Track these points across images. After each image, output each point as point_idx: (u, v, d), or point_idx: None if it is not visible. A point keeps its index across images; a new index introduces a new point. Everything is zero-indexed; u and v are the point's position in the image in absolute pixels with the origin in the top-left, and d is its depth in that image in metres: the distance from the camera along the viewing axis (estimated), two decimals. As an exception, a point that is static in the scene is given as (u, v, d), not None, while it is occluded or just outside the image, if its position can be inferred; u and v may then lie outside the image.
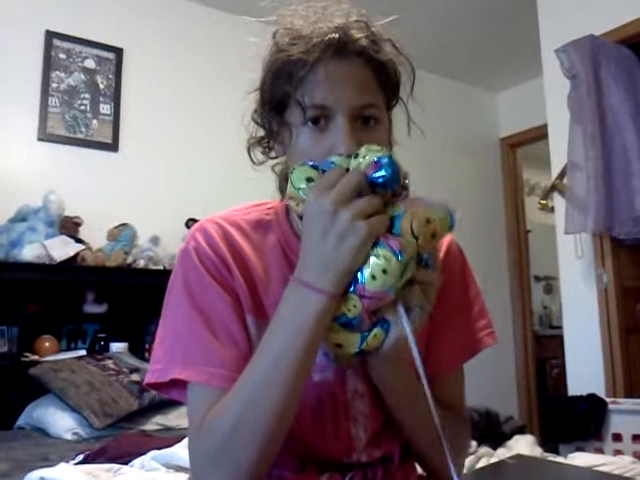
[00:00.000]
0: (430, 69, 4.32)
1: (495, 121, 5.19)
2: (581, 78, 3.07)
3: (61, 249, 2.82)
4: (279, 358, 0.72)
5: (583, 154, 3.04)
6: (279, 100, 0.83)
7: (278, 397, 0.72)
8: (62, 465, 1.67)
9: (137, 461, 1.75)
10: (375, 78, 0.82)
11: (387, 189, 0.71)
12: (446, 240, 0.96)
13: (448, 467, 0.70)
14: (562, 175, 3.43)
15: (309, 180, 0.74)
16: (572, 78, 3.13)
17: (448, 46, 4.17)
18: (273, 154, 0.91)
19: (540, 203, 5.82)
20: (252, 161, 0.92)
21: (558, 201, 3.52)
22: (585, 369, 3.28)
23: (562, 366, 3.77)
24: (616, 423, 2.78)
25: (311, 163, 0.75)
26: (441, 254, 0.93)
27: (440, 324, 0.91)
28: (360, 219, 0.68)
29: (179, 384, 0.80)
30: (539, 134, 4.26)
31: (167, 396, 0.84)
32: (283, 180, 0.93)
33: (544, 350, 5.23)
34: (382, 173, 0.70)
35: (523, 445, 2.07)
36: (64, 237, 2.89)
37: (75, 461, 1.78)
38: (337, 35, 0.80)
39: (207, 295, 0.80)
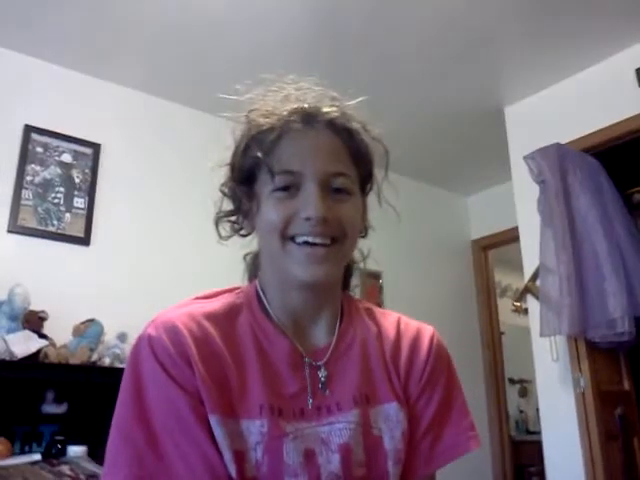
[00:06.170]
0: (401, 172, 4.43)
1: (466, 223, 5.27)
2: (549, 183, 3.17)
3: (23, 344, 2.70)
4: None
5: (554, 257, 3.08)
6: (249, 169, 0.83)
7: None
8: None
9: None
10: (347, 150, 0.83)
11: None
12: (428, 333, 0.91)
13: None
14: (534, 277, 3.47)
15: None
16: (541, 183, 3.23)
17: (419, 150, 4.31)
18: (244, 232, 0.90)
19: (514, 305, 5.86)
20: (219, 235, 0.90)
21: (532, 303, 3.53)
22: (566, 477, 3.17)
23: (541, 473, 3.63)
24: (601, 537, 2.65)
25: None
26: (425, 349, 0.89)
27: (425, 426, 0.85)
28: None
29: None
30: (510, 236, 4.34)
31: None
32: (253, 269, 0.93)
33: (521, 456, 5.06)
34: None
35: None
36: (27, 332, 2.77)
37: None
38: (306, 105, 0.83)
39: (158, 395, 0.73)
